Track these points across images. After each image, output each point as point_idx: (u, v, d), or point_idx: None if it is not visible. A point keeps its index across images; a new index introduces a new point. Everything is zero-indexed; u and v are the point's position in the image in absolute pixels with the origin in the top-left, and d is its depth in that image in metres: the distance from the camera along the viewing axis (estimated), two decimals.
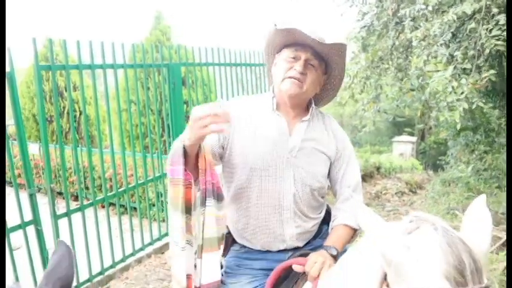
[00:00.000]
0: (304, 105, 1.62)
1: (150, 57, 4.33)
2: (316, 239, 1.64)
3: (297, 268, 1.44)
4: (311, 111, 1.60)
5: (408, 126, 15.13)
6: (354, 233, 1.57)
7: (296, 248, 1.60)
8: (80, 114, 7.47)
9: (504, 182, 5.93)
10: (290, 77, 1.49)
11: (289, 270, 1.48)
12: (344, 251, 1.48)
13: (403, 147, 13.42)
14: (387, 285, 0.90)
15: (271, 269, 1.52)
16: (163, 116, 4.59)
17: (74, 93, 7.21)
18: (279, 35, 1.53)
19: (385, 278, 0.92)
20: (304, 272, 1.42)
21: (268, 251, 1.61)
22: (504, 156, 6.33)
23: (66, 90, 7.12)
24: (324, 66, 1.57)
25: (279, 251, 1.60)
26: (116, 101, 3.94)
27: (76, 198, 5.75)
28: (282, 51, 1.56)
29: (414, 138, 13.92)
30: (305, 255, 1.49)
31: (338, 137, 1.63)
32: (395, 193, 8.40)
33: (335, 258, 1.44)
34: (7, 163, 3.10)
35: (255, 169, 1.51)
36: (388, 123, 14.28)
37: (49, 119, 7.16)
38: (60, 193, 5.30)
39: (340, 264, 1.29)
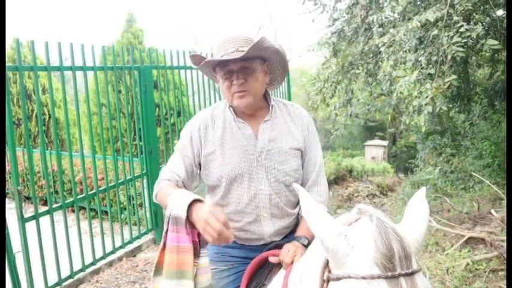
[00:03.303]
0: (262, 102, 1.64)
1: (121, 60, 4.31)
2: (293, 234, 1.67)
3: (272, 259, 1.50)
4: (271, 109, 1.62)
5: (380, 131, 15.46)
6: None
7: (273, 242, 1.65)
8: (49, 117, 7.32)
9: (469, 184, 6.14)
10: (235, 93, 1.52)
11: (264, 260, 1.55)
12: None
13: (375, 150, 13.68)
14: (329, 271, 0.97)
15: (249, 258, 1.59)
16: (134, 119, 4.56)
17: (43, 96, 7.07)
18: (203, 65, 1.56)
19: (327, 263, 0.99)
20: (279, 262, 1.49)
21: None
22: (469, 159, 6.57)
23: (34, 93, 6.99)
24: (260, 58, 1.56)
25: (258, 245, 1.66)
26: (86, 104, 3.90)
27: (45, 203, 5.64)
28: (216, 70, 1.58)
29: (386, 142, 14.22)
30: (280, 246, 1.55)
31: (304, 125, 1.66)
32: (367, 195, 8.56)
33: (307, 247, 1.50)
34: None
35: (229, 178, 1.57)
36: (361, 127, 14.54)
37: (17, 122, 6.99)
38: (28, 198, 5.19)
39: (308, 252, 1.36)
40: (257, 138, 1.59)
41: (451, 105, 6.23)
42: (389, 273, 0.87)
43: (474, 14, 4.03)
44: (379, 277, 0.87)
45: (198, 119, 1.65)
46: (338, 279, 0.93)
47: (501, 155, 5.64)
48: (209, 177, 1.63)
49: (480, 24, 3.48)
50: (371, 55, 5.29)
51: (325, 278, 0.97)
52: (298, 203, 1.68)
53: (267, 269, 1.54)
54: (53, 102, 3.57)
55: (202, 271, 1.53)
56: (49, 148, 6.09)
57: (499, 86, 5.80)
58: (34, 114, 7.15)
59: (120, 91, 5.30)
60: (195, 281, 1.44)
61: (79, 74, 3.66)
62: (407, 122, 4.17)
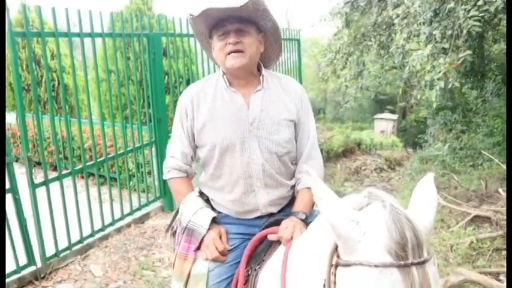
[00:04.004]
0: (255, 71, 1.64)
1: (130, 27, 4.26)
2: (291, 206, 1.68)
3: (272, 237, 1.51)
4: (262, 79, 1.61)
5: (390, 104, 15.27)
6: None
7: (271, 214, 1.66)
8: (58, 83, 7.32)
9: (478, 161, 6.09)
10: (229, 53, 1.52)
11: (264, 237, 1.56)
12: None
13: (385, 124, 13.55)
14: (338, 256, 0.96)
15: (248, 234, 1.62)
16: (143, 86, 4.55)
17: (52, 61, 7.04)
18: (198, 22, 1.55)
19: (336, 248, 0.97)
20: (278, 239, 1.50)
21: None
22: (480, 136, 6.50)
23: (43, 59, 6.96)
24: (256, 27, 1.57)
25: (254, 218, 1.67)
26: (94, 70, 3.88)
27: (55, 169, 5.72)
28: (213, 35, 1.58)
29: (395, 116, 14.06)
30: (278, 222, 1.56)
31: (297, 97, 1.66)
32: (375, 169, 8.56)
33: (304, 221, 1.52)
34: None
35: (221, 148, 1.57)
36: (371, 100, 14.36)
37: (26, 87, 7.00)
38: (38, 163, 5.26)
39: (310, 230, 1.36)
40: (249, 107, 1.58)
41: (464, 81, 6.11)
42: (402, 262, 0.86)
43: None
44: (391, 265, 0.86)
45: (190, 92, 1.66)
46: (348, 265, 0.92)
47: None
48: (202, 148, 1.64)
49: None
50: (384, 27, 5.17)
51: (333, 262, 0.96)
52: (293, 174, 1.70)
53: (266, 245, 1.55)
54: (61, 69, 3.57)
55: (192, 282, 1.63)
56: (58, 114, 6.13)
57: None
58: (43, 80, 7.14)
59: (129, 58, 5.27)
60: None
61: (87, 40, 3.63)
62: (419, 96, 4.11)
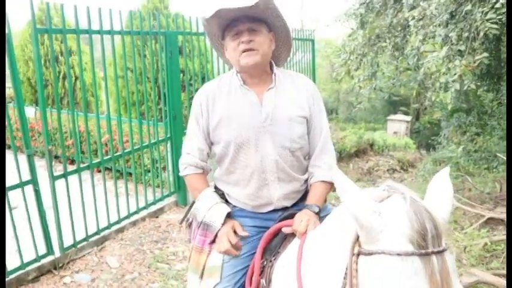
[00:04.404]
0: (268, 70, 1.70)
1: (147, 25, 4.33)
2: (304, 200, 1.72)
3: (286, 230, 1.56)
4: (274, 77, 1.67)
5: (404, 105, 15.19)
6: (332, 186, 1.67)
7: (285, 208, 1.71)
8: (76, 79, 7.45)
9: (493, 164, 6.04)
10: (242, 52, 1.58)
11: (278, 230, 1.60)
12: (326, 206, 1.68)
13: (398, 125, 13.50)
14: (359, 245, 1.00)
15: (263, 227, 1.67)
16: (159, 84, 4.63)
17: (70, 58, 7.17)
18: (211, 23, 1.62)
19: (357, 238, 1.02)
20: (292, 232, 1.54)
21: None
22: (495, 139, 6.43)
23: (61, 55, 7.10)
24: (266, 26, 1.63)
25: (269, 212, 1.72)
26: (112, 67, 3.97)
27: (72, 163, 5.84)
28: (225, 36, 1.64)
29: (409, 118, 13.99)
30: (292, 215, 1.60)
31: (309, 94, 1.70)
32: (387, 170, 8.53)
33: (318, 214, 1.57)
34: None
35: (236, 144, 1.63)
36: (384, 101, 14.31)
37: (45, 83, 7.15)
38: (56, 157, 5.38)
39: (325, 223, 1.40)
40: (262, 105, 1.63)
41: (479, 83, 6.06)
42: (423, 251, 0.91)
43: None
44: (413, 254, 0.91)
45: (205, 90, 1.72)
46: (370, 254, 0.96)
47: None
48: (217, 145, 1.70)
49: None
50: (399, 28, 5.16)
51: (355, 252, 1.00)
52: (306, 169, 1.75)
53: (281, 238, 1.60)
54: (80, 65, 3.67)
55: (207, 274, 1.67)
56: (76, 110, 6.23)
57: None
58: (61, 76, 7.28)
59: (145, 56, 5.36)
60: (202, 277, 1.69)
61: (106, 38, 3.71)
62: (433, 98, 4.10)
